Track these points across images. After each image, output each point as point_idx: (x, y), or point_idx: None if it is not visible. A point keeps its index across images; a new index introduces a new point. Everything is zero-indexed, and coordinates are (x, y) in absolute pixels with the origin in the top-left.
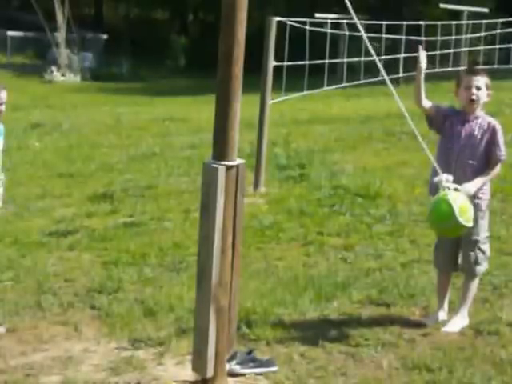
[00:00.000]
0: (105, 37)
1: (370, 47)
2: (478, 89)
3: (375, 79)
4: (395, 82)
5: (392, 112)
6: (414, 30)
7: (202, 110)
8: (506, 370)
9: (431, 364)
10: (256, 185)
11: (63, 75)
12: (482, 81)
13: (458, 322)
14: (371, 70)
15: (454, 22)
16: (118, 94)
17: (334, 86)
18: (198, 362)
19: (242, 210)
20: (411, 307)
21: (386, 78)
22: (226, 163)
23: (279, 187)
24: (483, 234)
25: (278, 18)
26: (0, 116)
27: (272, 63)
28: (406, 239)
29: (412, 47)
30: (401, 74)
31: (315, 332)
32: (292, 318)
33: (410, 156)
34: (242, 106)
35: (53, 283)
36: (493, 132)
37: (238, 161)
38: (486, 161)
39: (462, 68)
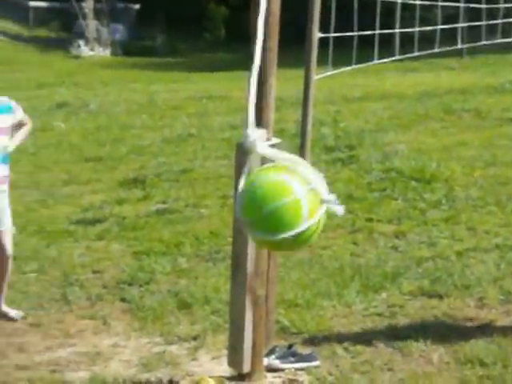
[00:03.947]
0: (137, 7)
1: None
2: None
3: (434, 51)
4: (458, 54)
5: (454, 87)
6: None
7: (244, 87)
8: None
9: (485, 358)
10: None
11: (91, 49)
12: None
13: None
14: (429, 41)
15: None
16: (152, 69)
17: (386, 59)
18: (234, 357)
19: None
20: (466, 299)
21: None
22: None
23: (326, 170)
24: None
25: None
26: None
27: (317, 34)
28: (463, 226)
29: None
30: (461, 46)
31: (361, 325)
32: (336, 310)
33: (471, 136)
34: (288, 83)
35: (80, 275)
36: None
37: (274, 140)
38: None
39: None
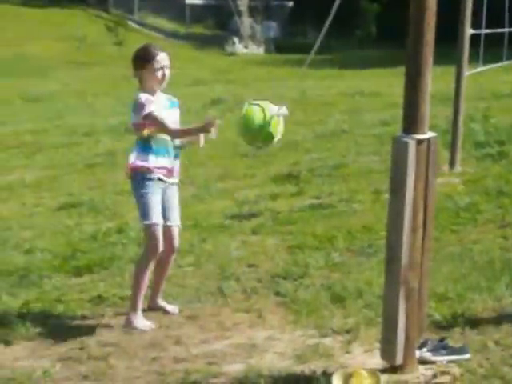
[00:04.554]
0: (290, 4)
1: None
2: None
3: None
4: None
5: None
6: None
7: (395, 83)
8: None
9: None
10: (452, 163)
11: (245, 47)
12: None
13: None
14: None
15: None
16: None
17: None
18: (387, 349)
19: (433, 187)
20: None
21: None
22: (417, 137)
23: (476, 166)
24: None
25: None
26: (164, 81)
27: (469, 31)
28: None
29: None
30: None
31: (511, 319)
32: (487, 303)
33: None
34: (437, 79)
35: (235, 268)
36: None
37: (430, 134)
38: None
39: None
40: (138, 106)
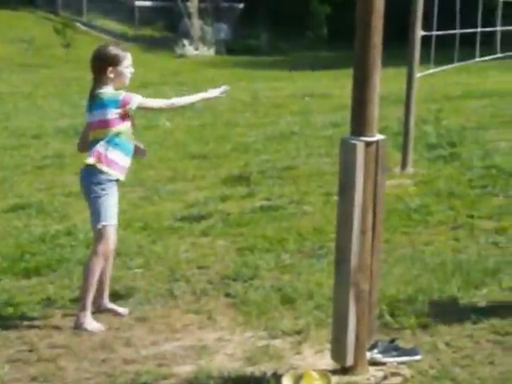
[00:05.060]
0: (241, 6)
1: None
2: None
3: None
4: None
5: None
6: None
7: (346, 85)
8: None
9: None
10: (403, 165)
11: (196, 49)
12: None
13: None
14: None
15: None
16: (255, 68)
17: (488, 57)
18: (338, 350)
19: (383, 189)
20: None
21: None
22: (365, 139)
23: (428, 167)
24: None
25: None
26: (128, 81)
27: (420, 33)
28: None
29: None
30: None
31: (462, 320)
32: (438, 305)
33: None
34: (389, 80)
35: (185, 270)
36: None
37: (378, 136)
38: None
39: None
40: (123, 100)
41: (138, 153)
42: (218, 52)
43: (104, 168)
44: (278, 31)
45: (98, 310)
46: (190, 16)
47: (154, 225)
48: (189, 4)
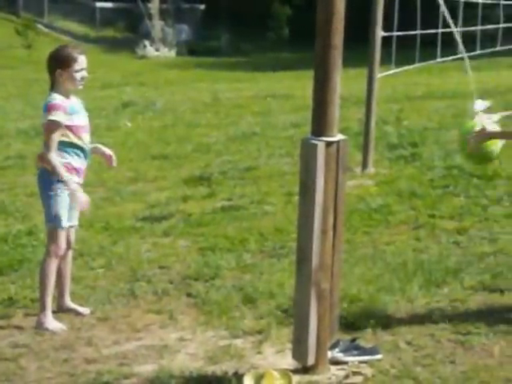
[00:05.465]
0: (202, 7)
1: None
2: None
3: (497, 49)
4: None
5: None
6: None
7: (307, 85)
8: None
9: None
10: (364, 165)
11: (157, 50)
12: None
13: None
14: (492, 39)
15: None
16: (216, 69)
17: (448, 58)
18: (299, 350)
19: (343, 189)
20: None
21: None
22: (326, 139)
23: (389, 168)
24: None
25: None
26: (81, 84)
27: (380, 33)
28: None
29: None
30: None
31: (423, 319)
32: (399, 305)
33: None
34: (351, 81)
35: (147, 270)
36: None
37: (339, 136)
38: None
39: None
40: (49, 107)
41: (105, 159)
42: (179, 53)
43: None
44: (240, 32)
45: (60, 310)
46: (150, 17)
47: (115, 225)
48: (150, 5)
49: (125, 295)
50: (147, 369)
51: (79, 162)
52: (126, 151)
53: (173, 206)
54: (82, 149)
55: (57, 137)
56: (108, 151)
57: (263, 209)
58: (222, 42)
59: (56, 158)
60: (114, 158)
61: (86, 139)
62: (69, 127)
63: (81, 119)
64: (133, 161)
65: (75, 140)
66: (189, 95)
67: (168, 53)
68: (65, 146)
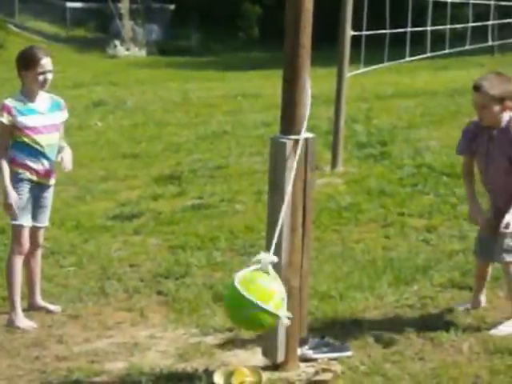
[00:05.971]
0: (172, 7)
1: None
2: None
3: (465, 48)
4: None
5: None
6: None
7: (278, 84)
8: None
9: None
10: (334, 164)
11: (127, 49)
12: None
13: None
14: (461, 38)
15: None
16: (187, 68)
17: (417, 57)
18: (268, 347)
19: (312, 187)
20: (495, 290)
21: None
22: (294, 137)
23: (358, 166)
24: None
25: None
26: (45, 86)
27: (349, 32)
28: None
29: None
30: (491, 42)
31: (392, 316)
32: (369, 302)
33: None
34: (321, 80)
35: (117, 268)
36: None
37: (307, 135)
38: None
39: None
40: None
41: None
42: (149, 53)
43: (15, 168)
44: (210, 32)
45: (31, 308)
46: (121, 17)
47: (86, 224)
48: (120, 5)
49: (96, 293)
50: (118, 366)
51: (38, 163)
52: (96, 150)
53: (143, 204)
54: (37, 150)
55: (4, 137)
56: (65, 156)
57: (233, 207)
58: (193, 41)
59: None
60: (67, 164)
61: (45, 140)
62: (20, 129)
63: (39, 120)
64: (104, 160)
65: (28, 141)
66: (159, 94)
67: (138, 52)
68: (19, 146)
